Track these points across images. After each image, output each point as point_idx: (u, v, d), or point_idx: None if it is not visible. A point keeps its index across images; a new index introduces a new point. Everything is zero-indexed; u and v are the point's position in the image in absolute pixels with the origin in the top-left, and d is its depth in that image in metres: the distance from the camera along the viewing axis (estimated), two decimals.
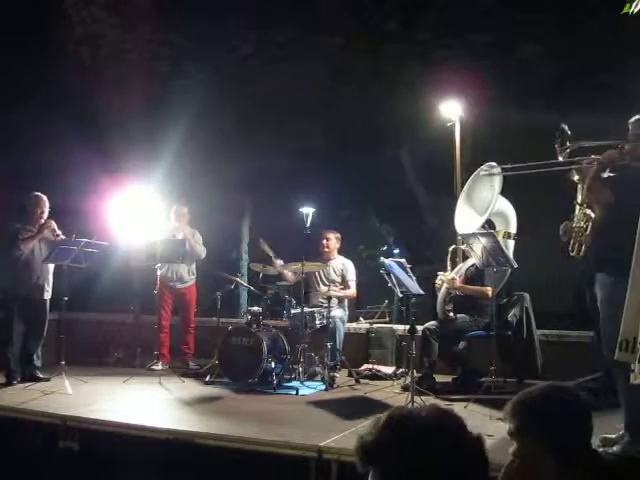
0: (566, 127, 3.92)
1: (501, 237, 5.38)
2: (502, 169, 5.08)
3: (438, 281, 5.78)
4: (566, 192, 4.10)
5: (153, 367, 6.73)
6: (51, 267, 6.30)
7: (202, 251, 7.15)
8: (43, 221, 6.19)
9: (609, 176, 3.74)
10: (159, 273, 6.87)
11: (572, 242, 3.97)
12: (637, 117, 3.86)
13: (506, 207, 5.63)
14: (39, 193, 6.32)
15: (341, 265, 6.83)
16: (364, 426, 4.62)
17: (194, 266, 7.22)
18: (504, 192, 5.44)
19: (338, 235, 6.90)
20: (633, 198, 3.34)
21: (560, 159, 3.94)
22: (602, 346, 3.67)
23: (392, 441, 1.41)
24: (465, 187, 5.97)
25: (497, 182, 5.39)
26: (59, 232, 6.18)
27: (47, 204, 6.27)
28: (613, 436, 3.67)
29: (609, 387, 4.43)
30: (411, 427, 1.42)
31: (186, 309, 7.13)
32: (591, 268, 3.87)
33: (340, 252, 6.95)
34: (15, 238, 6.09)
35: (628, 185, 3.60)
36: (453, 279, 5.69)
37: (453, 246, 6.10)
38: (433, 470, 1.37)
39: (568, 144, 3.86)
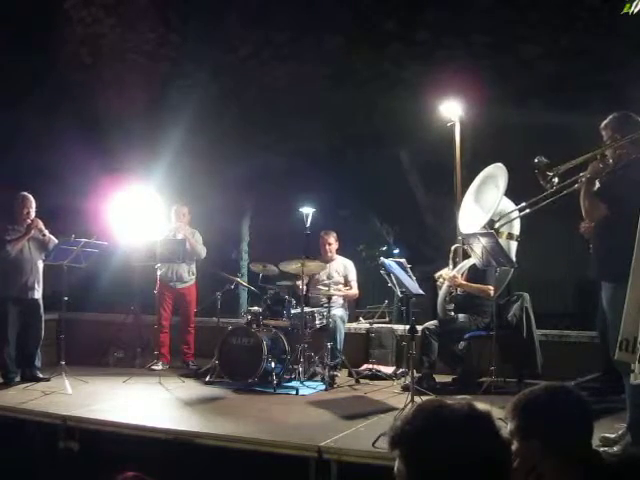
0: (542, 158, 3.87)
1: (504, 238, 5.37)
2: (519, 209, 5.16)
3: (440, 279, 5.75)
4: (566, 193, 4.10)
5: (153, 367, 6.72)
6: (41, 267, 6.26)
7: (202, 251, 7.15)
8: (30, 220, 6.15)
9: (603, 188, 3.72)
10: (159, 273, 6.86)
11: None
12: (605, 122, 3.87)
13: (509, 208, 5.61)
14: (25, 193, 6.28)
15: (342, 266, 6.82)
16: (364, 426, 4.56)
17: (194, 266, 7.21)
18: (506, 193, 5.43)
19: (335, 235, 6.88)
20: (629, 203, 3.32)
21: (552, 189, 3.92)
22: (603, 347, 3.67)
23: (422, 427, 1.42)
24: (472, 187, 5.94)
25: (502, 182, 5.37)
26: (46, 232, 6.17)
27: (34, 204, 6.23)
28: (613, 436, 3.66)
29: (608, 387, 4.44)
30: (442, 417, 1.44)
31: (186, 309, 7.13)
32: (593, 274, 3.86)
33: (338, 251, 6.94)
34: (1, 239, 6.07)
35: (623, 190, 3.58)
36: (454, 277, 5.66)
37: (455, 245, 6.08)
38: (458, 462, 1.37)
39: (549, 174, 3.83)
